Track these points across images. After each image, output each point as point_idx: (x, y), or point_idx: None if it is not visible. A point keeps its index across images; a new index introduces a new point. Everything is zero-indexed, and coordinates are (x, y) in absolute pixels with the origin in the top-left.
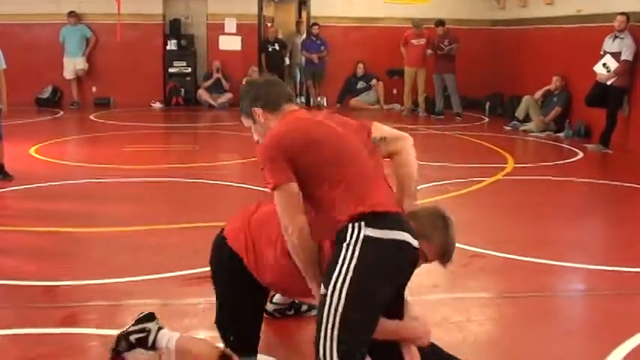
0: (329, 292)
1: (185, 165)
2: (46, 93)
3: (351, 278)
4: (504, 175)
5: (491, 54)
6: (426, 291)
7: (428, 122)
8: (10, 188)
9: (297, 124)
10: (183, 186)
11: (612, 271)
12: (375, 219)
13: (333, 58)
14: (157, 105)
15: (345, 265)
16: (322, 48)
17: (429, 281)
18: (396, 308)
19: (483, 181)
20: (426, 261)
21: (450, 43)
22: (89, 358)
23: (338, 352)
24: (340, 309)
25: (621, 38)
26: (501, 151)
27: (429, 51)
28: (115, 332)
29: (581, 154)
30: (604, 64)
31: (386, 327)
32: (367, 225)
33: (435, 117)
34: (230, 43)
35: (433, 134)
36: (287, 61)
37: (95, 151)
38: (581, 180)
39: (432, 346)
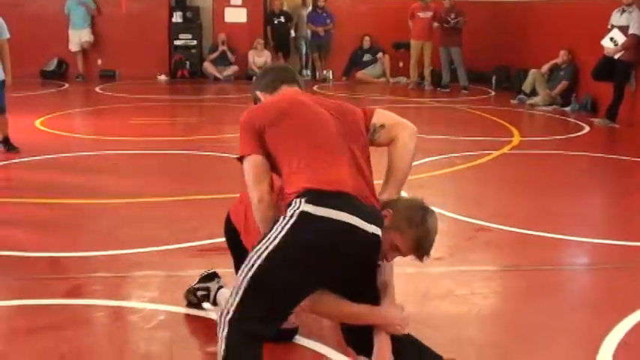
0: (249, 256)
1: (191, 137)
2: (52, 65)
3: (272, 250)
4: (510, 149)
5: (497, 27)
6: (431, 264)
7: (434, 95)
8: (16, 160)
9: (274, 100)
10: (189, 158)
11: (617, 244)
12: (319, 196)
13: (339, 31)
14: (163, 78)
15: (273, 236)
16: (328, 21)
17: (434, 254)
18: (366, 294)
19: (489, 154)
20: (400, 254)
21: (457, 16)
22: (94, 328)
23: (234, 313)
24: (249, 276)
25: (629, 12)
26: (507, 124)
27: (436, 24)
28: (120, 303)
29: (587, 128)
30: (611, 38)
31: (351, 310)
32: (307, 201)
33: (441, 90)
34: (236, 15)
35: (439, 107)
36: (293, 33)
37: (100, 123)
38: (587, 154)
39: (410, 336)
